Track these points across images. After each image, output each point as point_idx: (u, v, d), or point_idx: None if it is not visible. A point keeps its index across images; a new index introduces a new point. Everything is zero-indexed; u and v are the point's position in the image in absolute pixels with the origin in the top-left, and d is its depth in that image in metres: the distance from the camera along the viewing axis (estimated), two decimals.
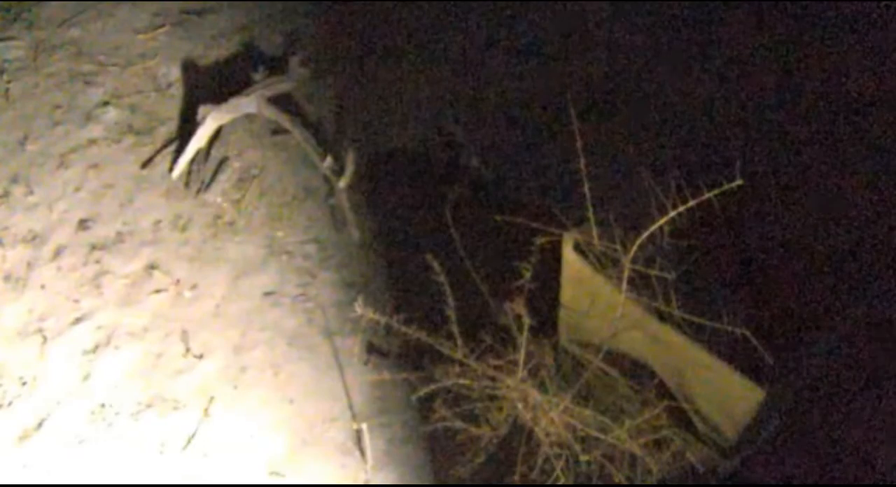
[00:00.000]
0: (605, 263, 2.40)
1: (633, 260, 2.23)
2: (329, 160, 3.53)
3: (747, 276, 2.50)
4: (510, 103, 3.90)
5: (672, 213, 2.09)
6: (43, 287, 3.35)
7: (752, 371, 2.19)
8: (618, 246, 2.29)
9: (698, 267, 2.32)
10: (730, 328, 2.09)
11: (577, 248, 2.48)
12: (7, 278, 3.38)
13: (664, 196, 2.15)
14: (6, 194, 3.65)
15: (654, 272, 2.17)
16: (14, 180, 3.70)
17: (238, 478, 2.83)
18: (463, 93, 3.95)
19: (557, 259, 2.55)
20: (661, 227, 2.16)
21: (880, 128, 3.64)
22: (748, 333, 2.06)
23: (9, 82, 4.09)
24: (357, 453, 2.87)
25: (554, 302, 2.75)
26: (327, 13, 4.37)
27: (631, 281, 2.28)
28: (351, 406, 2.98)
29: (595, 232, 2.37)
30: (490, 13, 4.27)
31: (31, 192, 3.66)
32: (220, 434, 2.93)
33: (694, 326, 2.20)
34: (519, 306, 2.47)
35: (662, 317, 2.28)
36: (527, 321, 2.45)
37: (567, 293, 2.68)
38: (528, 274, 2.38)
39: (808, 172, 3.49)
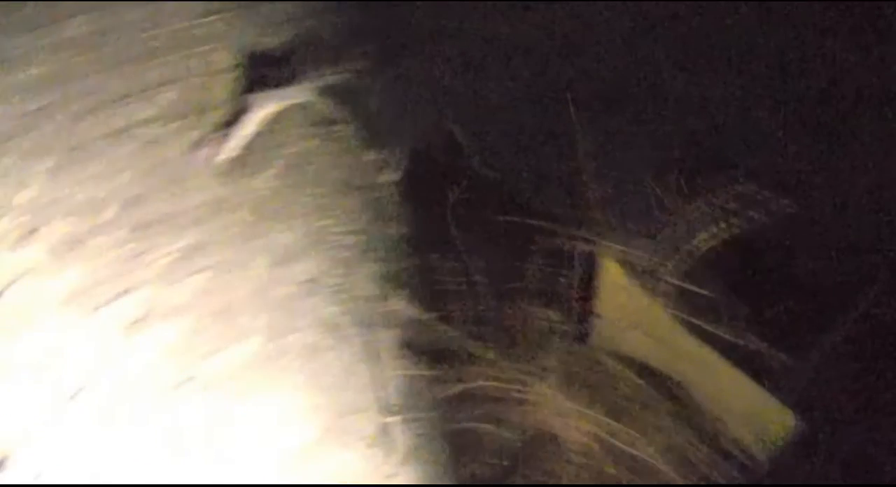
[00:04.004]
0: (645, 276, 2.39)
1: (676, 275, 2.22)
2: (379, 153, 3.54)
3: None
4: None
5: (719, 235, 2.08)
6: (87, 261, 3.41)
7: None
8: (659, 260, 2.28)
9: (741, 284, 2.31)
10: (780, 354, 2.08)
11: (618, 260, 2.48)
12: (52, 251, 3.44)
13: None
14: (58, 167, 3.72)
15: (696, 288, 2.16)
16: (68, 153, 3.77)
17: (265, 461, 2.87)
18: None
19: (596, 268, 2.55)
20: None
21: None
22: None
23: (71, 57, 4.16)
24: (381, 445, 2.89)
25: (591, 311, 2.75)
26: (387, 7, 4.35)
27: (671, 296, 2.27)
28: (380, 399, 3.00)
29: (634, 244, 2.36)
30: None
31: (83, 167, 3.73)
32: (249, 417, 2.97)
33: (734, 346, 2.19)
34: (555, 313, 2.47)
35: (700, 335, 2.27)
36: (562, 328, 2.45)
37: (605, 303, 2.67)
38: (568, 282, 2.38)
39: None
